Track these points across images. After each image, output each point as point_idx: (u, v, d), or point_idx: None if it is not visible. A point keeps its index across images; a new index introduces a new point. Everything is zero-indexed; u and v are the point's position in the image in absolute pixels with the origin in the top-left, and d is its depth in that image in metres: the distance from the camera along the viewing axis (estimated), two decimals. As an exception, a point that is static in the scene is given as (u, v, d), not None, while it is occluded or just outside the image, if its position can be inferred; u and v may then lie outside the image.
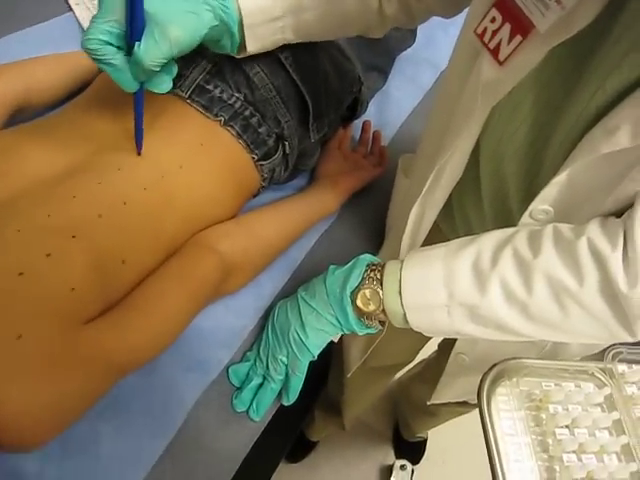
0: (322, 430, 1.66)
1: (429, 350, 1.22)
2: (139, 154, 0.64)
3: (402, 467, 1.67)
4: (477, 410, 1.15)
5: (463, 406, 1.13)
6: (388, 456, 1.77)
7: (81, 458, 0.60)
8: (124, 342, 0.54)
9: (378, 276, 0.60)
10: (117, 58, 0.54)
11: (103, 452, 0.61)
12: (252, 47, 0.66)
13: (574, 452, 0.54)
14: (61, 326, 0.50)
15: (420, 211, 0.69)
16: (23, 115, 0.73)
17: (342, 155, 0.92)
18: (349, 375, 0.99)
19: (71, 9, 0.99)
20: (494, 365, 0.58)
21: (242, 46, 0.66)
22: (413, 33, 1.12)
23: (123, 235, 0.59)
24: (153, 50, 0.53)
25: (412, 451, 1.76)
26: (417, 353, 1.18)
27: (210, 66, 0.72)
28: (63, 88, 0.80)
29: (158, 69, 0.56)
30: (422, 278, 0.57)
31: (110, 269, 0.57)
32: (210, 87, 0.72)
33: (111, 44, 0.54)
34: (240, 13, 0.62)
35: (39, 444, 0.48)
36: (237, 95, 0.73)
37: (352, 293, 0.61)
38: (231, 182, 0.72)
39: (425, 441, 1.77)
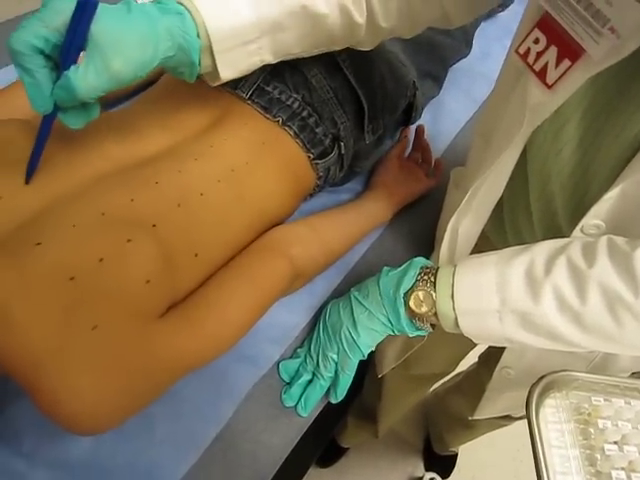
0: (354, 437, 1.66)
1: (467, 362, 1.21)
2: (27, 183, 0.54)
3: (431, 480, 1.67)
4: (511, 428, 1.15)
5: (504, 419, 1.12)
6: (417, 468, 1.76)
7: (134, 439, 0.62)
8: (194, 341, 0.55)
9: (432, 279, 0.61)
10: (42, 72, 0.47)
11: (156, 435, 0.63)
12: (226, 74, 0.60)
13: (623, 469, 0.54)
14: (135, 320, 0.51)
15: (456, 223, 0.70)
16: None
17: (399, 164, 0.93)
18: (380, 376, 0.99)
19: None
20: (543, 376, 0.58)
21: (213, 73, 0.61)
22: (468, 44, 1.14)
23: (198, 228, 0.61)
24: (92, 80, 0.47)
25: (442, 465, 1.74)
26: (458, 363, 1.17)
27: (270, 67, 0.73)
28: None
29: (92, 101, 0.50)
30: (475, 283, 0.58)
31: (183, 263, 0.58)
32: (269, 88, 0.74)
33: (42, 52, 0.47)
34: (208, 39, 0.56)
35: (103, 431, 0.50)
36: (295, 96, 0.74)
37: (405, 294, 0.61)
38: (290, 180, 0.74)
39: (456, 455, 1.76)
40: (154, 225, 0.56)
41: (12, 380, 0.62)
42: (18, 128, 0.58)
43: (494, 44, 1.24)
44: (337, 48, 0.69)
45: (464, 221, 0.69)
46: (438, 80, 1.06)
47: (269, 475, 0.66)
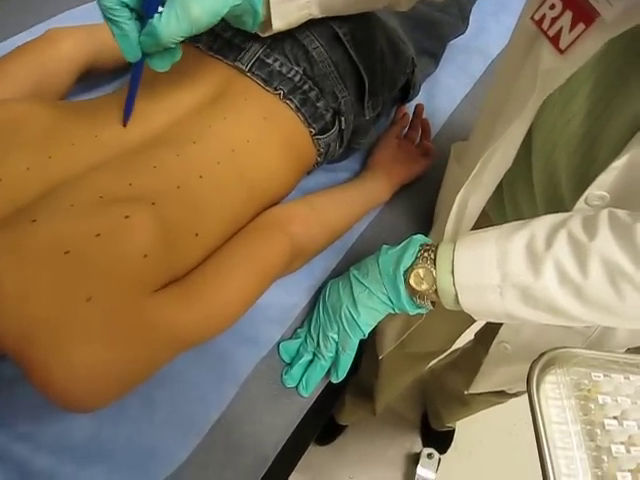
0: (352, 414, 1.67)
1: (463, 340, 1.22)
2: (124, 126, 0.62)
3: (429, 455, 1.68)
4: (506, 405, 1.16)
5: (499, 396, 1.13)
6: (415, 444, 1.78)
7: (136, 422, 0.62)
8: (190, 315, 0.54)
9: (432, 256, 0.61)
10: (129, 23, 0.53)
11: (157, 418, 0.63)
12: (278, 24, 0.65)
13: (622, 444, 0.54)
14: (131, 292, 0.50)
15: (465, 196, 0.70)
16: (93, 75, 0.76)
17: (397, 143, 0.93)
18: (381, 357, 1.00)
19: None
20: (544, 353, 0.58)
21: (265, 23, 0.65)
22: (465, 21, 1.12)
23: (199, 208, 0.60)
24: (174, 26, 0.52)
25: (440, 440, 1.76)
26: (454, 342, 1.18)
27: (270, 40, 0.72)
28: None
29: (174, 46, 0.56)
30: (475, 259, 0.58)
31: (183, 241, 0.57)
32: (270, 61, 0.72)
33: (127, 6, 0.52)
34: None
35: (97, 407, 0.49)
36: (296, 69, 0.73)
37: (405, 272, 0.61)
38: (291, 156, 0.73)
39: (453, 431, 1.78)
40: (153, 203, 0.55)
41: (8, 365, 0.62)
42: (26, 110, 0.58)
43: (489, 19, 1.22)
44: (377, 6, 0.73)
45: (473, 194, 0.69)
46: (435, 57, 1.05)
47: (271, 457, 0.66)
